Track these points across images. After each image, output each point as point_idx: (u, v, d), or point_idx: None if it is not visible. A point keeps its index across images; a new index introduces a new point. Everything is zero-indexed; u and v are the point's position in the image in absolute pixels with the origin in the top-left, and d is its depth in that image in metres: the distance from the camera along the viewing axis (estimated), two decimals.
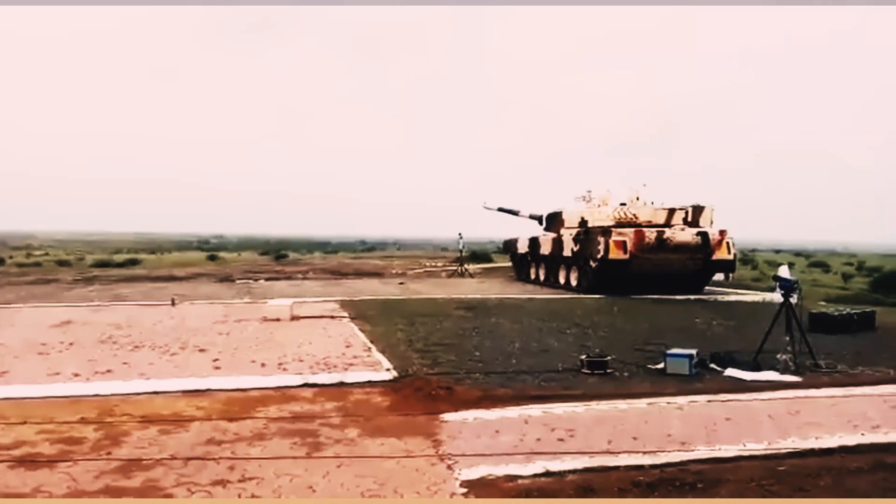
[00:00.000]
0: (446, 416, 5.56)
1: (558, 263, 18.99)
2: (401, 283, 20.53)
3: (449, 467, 4.41)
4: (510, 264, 24.74)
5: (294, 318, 11.44)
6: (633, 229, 16.40)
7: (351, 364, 7.65)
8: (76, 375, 6.97)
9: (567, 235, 18.52)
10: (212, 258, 40.98)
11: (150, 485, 4.09)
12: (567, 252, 18.03)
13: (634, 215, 17.49)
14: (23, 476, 4.20)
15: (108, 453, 4.63)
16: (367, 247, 72.20)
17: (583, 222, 18.47)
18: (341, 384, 6.75)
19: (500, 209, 24.41)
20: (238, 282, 21.41)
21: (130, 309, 12.96)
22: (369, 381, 6.86)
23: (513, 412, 5.70)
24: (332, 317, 11.89)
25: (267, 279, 22.79)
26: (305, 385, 6.68)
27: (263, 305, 12.19)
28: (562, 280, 18.66)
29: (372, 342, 9.08)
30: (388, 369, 7.37)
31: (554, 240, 19.20)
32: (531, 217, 23.09)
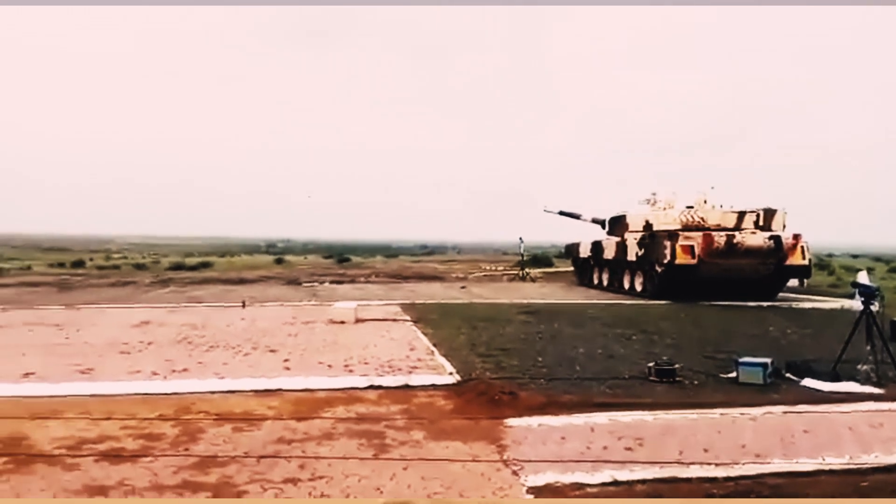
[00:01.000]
0: (510, 422, 5.55)
1: (622, 268, 18.66)
2: (462, 287, 20.59)
3: (515, 473, 4.39)
4: (572, 269, 24.45)
5: (358, 320, 11.64)
6: (701, 233, 15.96)
7: (415, 367, 7.73)
8: (155, 374, 7.30)
9: (631, 239, 18.17)
10: (279, 261, 42.13)
11: (224, 481, 4.23)
12: (631, 256, 17.69)
13: (702, 219, 17.01)
14: (107, 469, 4.42)
15: (186, 449, 4.82)
16: (427, 251, 72.72)
17: (648, 226, 18.08)
18: (406, 387, 6.83)
19: (562, 213, 24.18)
20: (304, 285, 21.93)
21: (204, 310, 13.47)
22: (433, 385, 6.92)
23: (578, 419, 5.63)
24: (395, 320, 12.04)
25: (331, 282, 23.28)
26: (371, 387, 6.79)
27: (329, 308, 12.45)
28: (626, 285, 18.33)
29: (435, 346, 9.15)
30: (450, 373, 7.41)
31: (618, 244, 18.88)
32: (594, 221, 22.77)
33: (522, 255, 26.45)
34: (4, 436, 5.08)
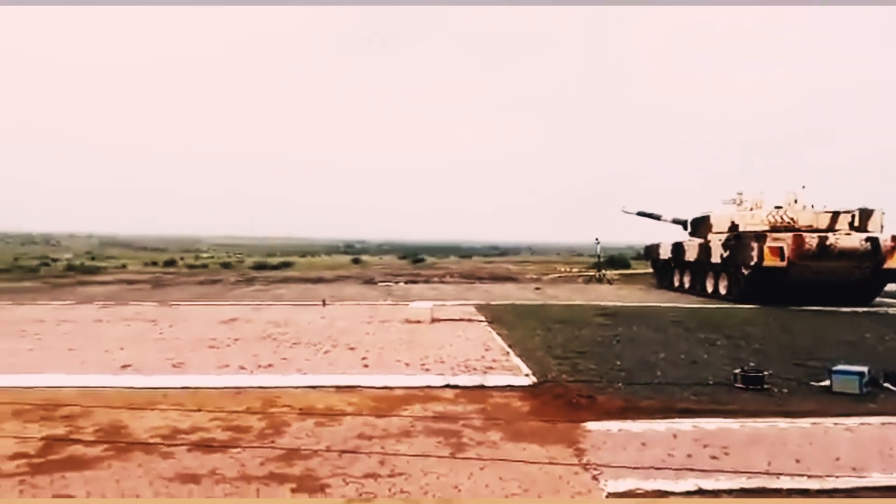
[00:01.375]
0: (589, 425, 5.46)
1: (705, 270, 18.02)
2: (536, 289, 20.43)
3: (594, 477, 4.33)
4: (651, 271, 23.82)
5: (434, 320, 11.75)
6: (791, 234, 15.21)
7: (490, 367, 7.74)
8: (242, 368, 7.62)
9: (716, 241, 17.52)
10: (355, 261, 43.10)
11: (307, 474, 4.36)
12: (715, 258, 17.06)
13: (792, 219, 16.23)
14: (200, 459, 4.64)
15: (272, 442, 5.01)
16: (500, 251, 72.51)
17: (733, 227, 17.39)
18: (481, 387, 6.84)
19: (640, 213, 23.60)
20: (380, 284, 22.34)
21: (287, 308, 13.94)
22: (509, 386, 6.90)
23: (660, 425, 5.48)
24: (470, 320, 12.08)
25: (406, 282, 23.60)
26: (447, 386, 6.84)
27: (405, 307, 12.63)
28: (709, 288, 17.69)
29: (510, 346, 9.13)
30: (526, 374, 7.37)
31: (701, 245, 18.25)
32: (674, 221, 22.11)
33: (599, 257, 25.94)
34: (105, 424, 5.42)
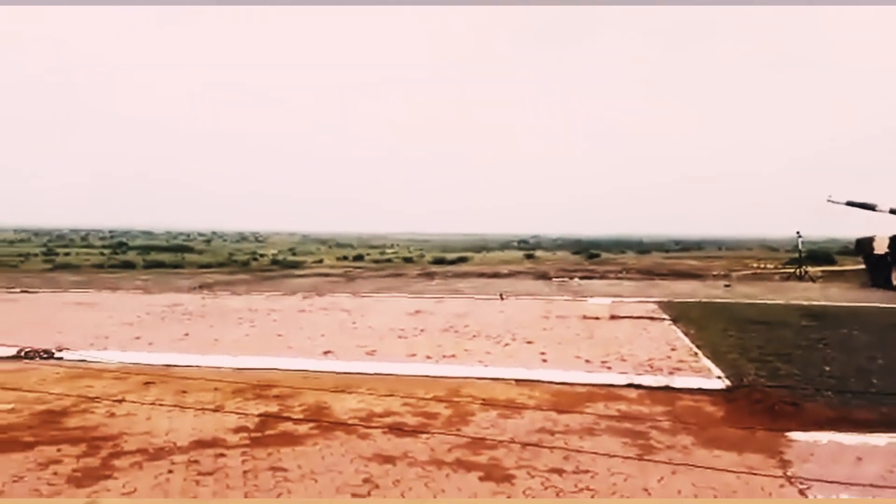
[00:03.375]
0: (793, 435, 5.01)
1: None
2: (726, 286, 19.08)
3: (801, 492, 3.97)
4: (862, 267, 21.20)
5: (613, 317, 11.45)
6: None
7: (677, 368, 7.38)
8: (428, 358, 7.99)
9: None
10: (529, 257, 43.26)
11: (494, 463, 4.47)
12: None
13: None
14: (394, 441, 4.94)
15: (458, 430, 5.20)
16: (681, 247, 68.65)
17: None
18: (668, 388, 6.55)
19: (850, 203, 21.04)
20: (554, 280, 22.19)
21: (466, 302, 14.37)
22: (699, 388, 6.53)
23: (880, 440, 4.88)
24: (652, 318, 11.59)
25: (581, 278, 23.21)
26: (630, 385, 6.64)
27: (582, 303, 12.46)
28: None
29: (698, 347, 8.63)
30: (718, 377, 6.93)
31: None
32: (892, 212, 19.47)
33: (800, 252, 23.60)
34: (311, 404, 5.96)
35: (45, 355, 7.97)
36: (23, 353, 8.02)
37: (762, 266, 29.06)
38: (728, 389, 6.47)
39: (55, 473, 4.25)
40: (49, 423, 5.37)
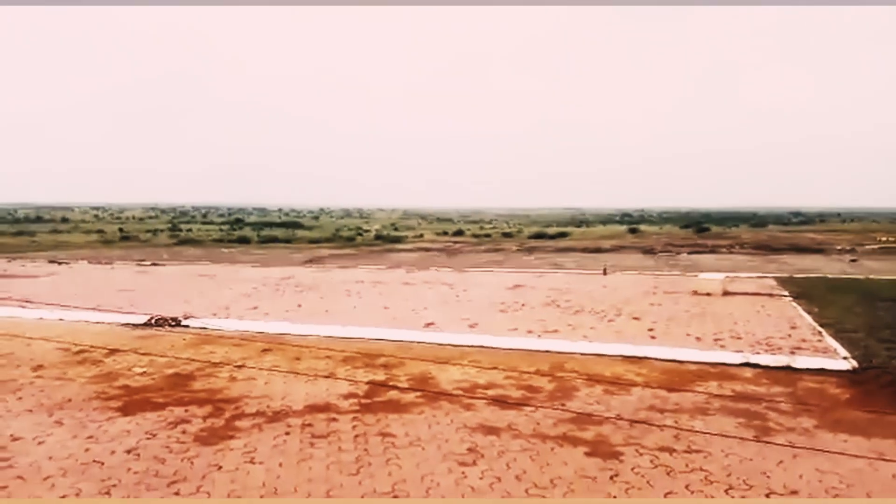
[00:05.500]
0: None
1: None
2: (852, 261, 17.71)
3: None
4: None
5: (726, 293, 10.91)
6: None
7: (798, 348, 6.93)
8: (530, 332, 7.94)
9: None
10: (632, 231, 41.92)
11: (601, 440, 4.39)
12: None
13: None
14: (498, 413, 4.96)
15: (563, 404, 5.14)
16: (802, 219, 64.20)
17: None
18: (788, 368, 6.17)
19: None
20: (661, 254, 21.41)
21: (567, 276, 14.16)
22: (822, 369, 6.12)
23: None
24: (770, 294, 10.95)
25: (689, 252, 22.27)
26: (746, 364, 6.32)
27: (692, 279, 11.94)
28: None
29: (822, 326, 8.06)
30: (844, 357, 6.45)
31: None
32: None
33: None
34: (416, 374, 6.09)
35: (173, 323, 8.61)
36: (153, 321, 8.71)
37: (892, 239, 26.68)
38: (855, 371, 6.02)
39: (184, 432, 4.60)
40: (178, 385, 5.81)
